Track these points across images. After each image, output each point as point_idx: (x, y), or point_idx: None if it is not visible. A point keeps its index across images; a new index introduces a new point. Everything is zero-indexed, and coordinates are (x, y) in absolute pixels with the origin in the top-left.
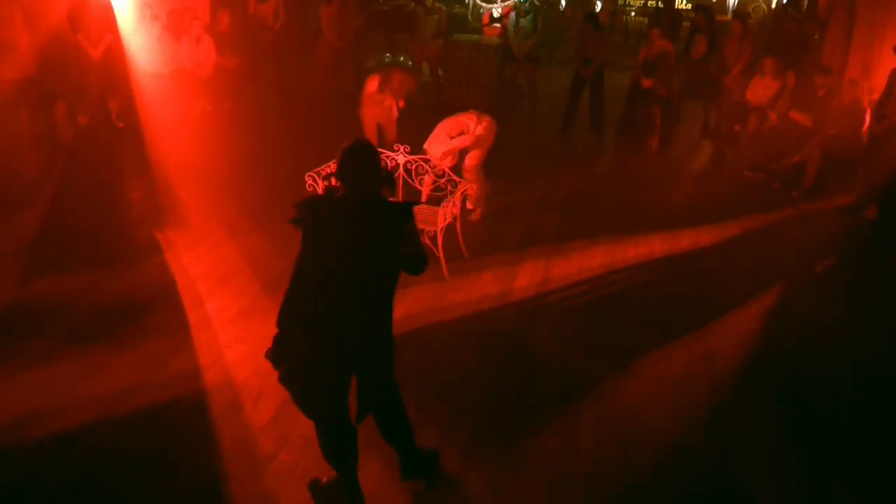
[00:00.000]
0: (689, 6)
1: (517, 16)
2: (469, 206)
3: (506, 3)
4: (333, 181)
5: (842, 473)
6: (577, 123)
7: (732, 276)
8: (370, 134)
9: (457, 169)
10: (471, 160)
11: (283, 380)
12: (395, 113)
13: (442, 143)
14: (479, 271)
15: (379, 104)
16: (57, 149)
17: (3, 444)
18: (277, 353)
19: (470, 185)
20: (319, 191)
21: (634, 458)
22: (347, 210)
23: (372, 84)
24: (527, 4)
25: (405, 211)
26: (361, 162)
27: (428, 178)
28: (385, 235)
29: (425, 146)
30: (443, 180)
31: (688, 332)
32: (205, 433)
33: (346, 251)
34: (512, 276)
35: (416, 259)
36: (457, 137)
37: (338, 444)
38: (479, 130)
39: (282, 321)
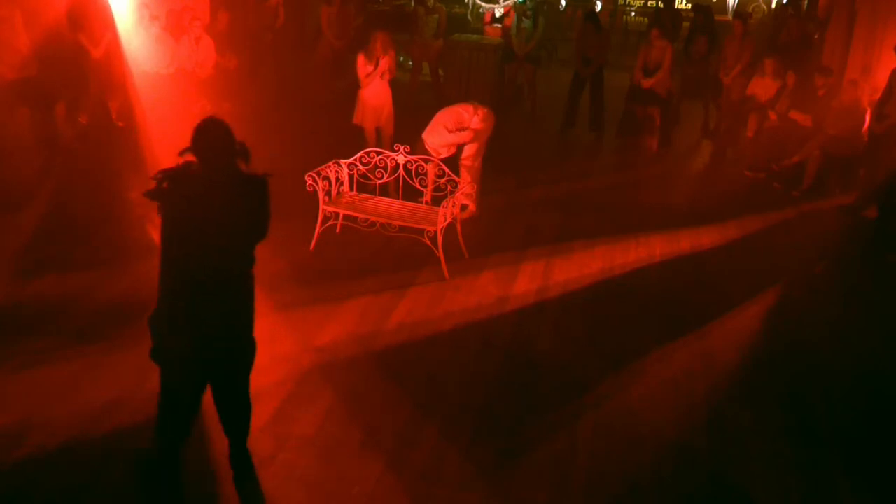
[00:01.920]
0: (689, 6)
1: (519, 16)
2: (462, 201)
3: (506, 3)
4: (188, 156)
5: (842, 473)
6: (577, 123)
7: (732, 276)
8: (369, 135)
9: (454, 161)
10: (468, 151)
11: (153, 354)
12: (392, 70)
13: (440, 134)
14: (479, 271)
15: (377, 85)
16: (57, 149)
17: (3, 444)
18: (153, 327)
19: (464, 179)
20: (319, 191)
21: (634, 459)
22: (202, 184)
23: (362, 62)
24: (529, 4)
25: (257, 184)
26: (213, 137)
27: (430, 177)
28: (240, 206)
29: (423, 135)
30: (443, 180)
31: (688, 332)
32: (205, 433)
33: (204, 224)
34: (512, 276)
35: (266, 230)
36: (455, 132)
37: (176, 424)
38: (477, 123)
39: (161, 300)
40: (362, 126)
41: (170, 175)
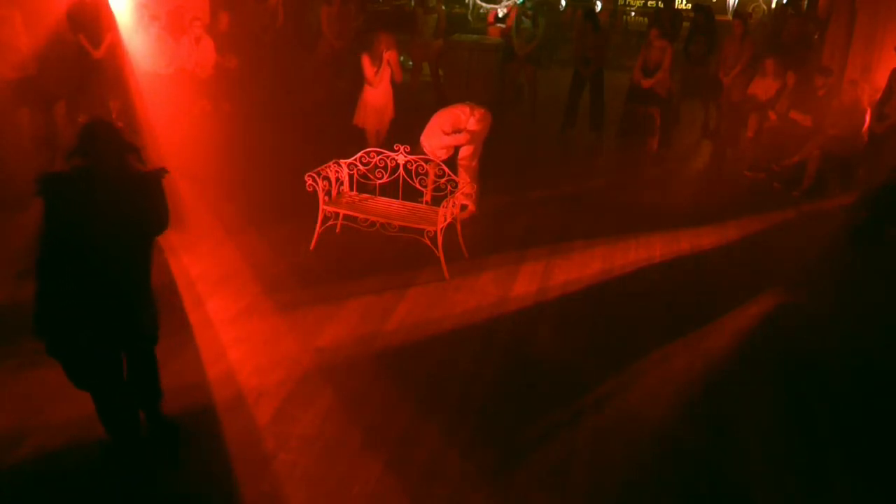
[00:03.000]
0: (689, 6)
1: (519, 16)
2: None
3: (508, 3)
4: (76, 159)
5: (842, 473)
6: (577, 123)
7: (732, 277)
8: (370, 136)
9: (451, 162)
10: (464, 152)
11: (49, 351)
12: (398, 74)
13: (436, 137)
14: (479, 272)
15: (381, 86)
16: (57, 149)
17: (3, 444)
18: (40, 326)
19: (463, 179)
20: (319, 191)
21: (634, 459)
22: (91, 183)
23: (367, 63)
24: (528, 5)
25: (148, 180)
26: (96, 140)
27: (430, 177)
28: (131, 203)
29: (421, 139)
30: (443, 180)
31: (688, 332)
32: (205, 433)
33: (95, 222)
34: (512, 276)
35: (164, 222)
36: (451, 134)
37: (114, 413)
38: (473, 125)
39: (40, 296)
40: (364, 127)
41: (54, 177)
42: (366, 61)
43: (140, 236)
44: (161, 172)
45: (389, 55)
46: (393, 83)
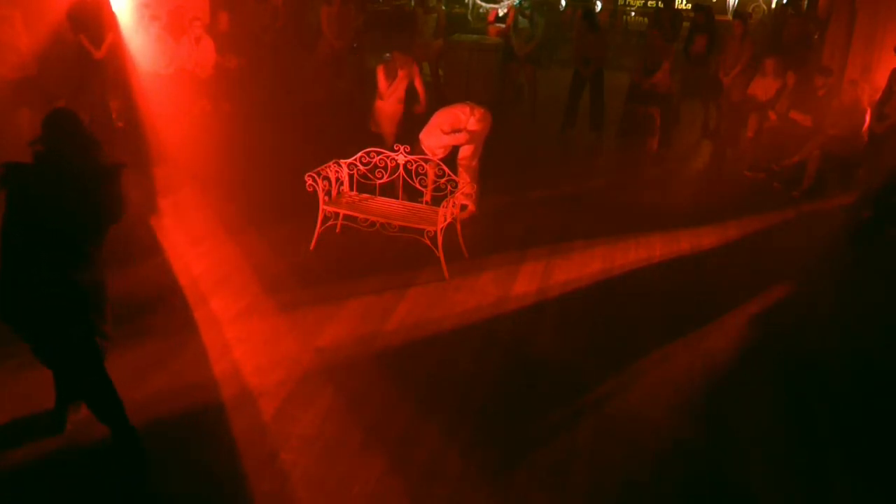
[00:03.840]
0: (689, 6)
1: (516, 16)
2: (461, 201)
3: (508, 3)
4: (38, 146)
5: (842, 473)
6: (577, 123)
7: (732, 277)
8: (388, 138)
9: (451, 161)
10: (464, 152)
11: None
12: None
13: (436, 136)
14: (479, 272)
15: (392, 99)
16: None
17: (3, 445)
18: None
19: (463, 179)
20: (319, 191)
21: (634, 458)
22: (47, 174)
23: (382, 78)
24: (525, 4)
25: (107, 172)
26: (58, 128)
27: (430, 177)
28: (85, 196)
29: (420, 136)
30: (443, 180)
31: (688, 332)
32: (204, 433)
33: (46, 213)
34: (512, 276)
35: (119, 215)
36: (451, 134)
37: (109, 397)
38: (472, 125)
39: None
40: (378, 132)
41: (13, 165)
42: (381, 74)
43: (92, 228)
44: (120, 167)
45: (412, 74)
46: (408, 94)
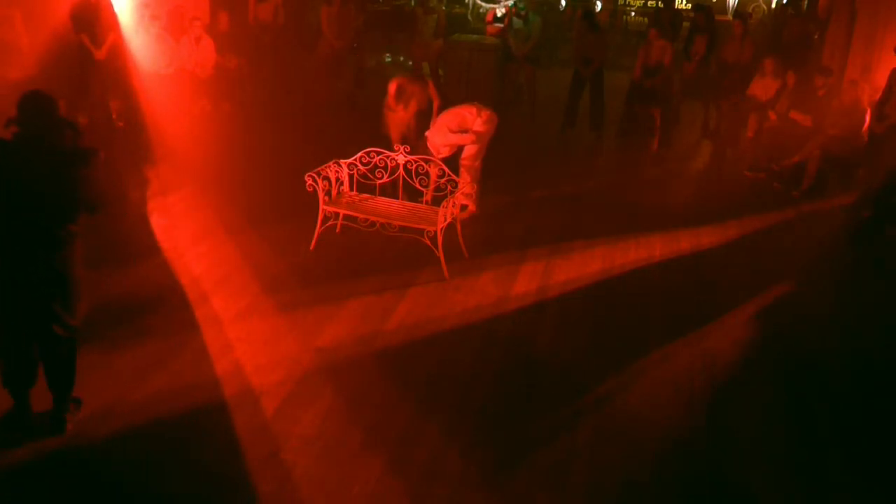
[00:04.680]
0: (689, 6)
1: (511, 16)
2: (461, 201)
3: (507, 3)
4: (13, 127)
5: (842, 473)
6: (577, 123)
7: (732, 277)
8: (396, 141)
9: (454, 160)
10: (469, 152)
11: None
12: (412, 124)
13: (442, 134)
14: (479, 272)
15: (395, 112)
16: None
17: (2, 444)
18: None
19: (464, 179)
20: (319, 191)
21: (634, 458)
22: (21, 153)
23: (392, 95)
24: (521, 5)
25: (80, 156)
26: (34, 109)
27: (432, 178)
28: (58, 178)
29: (427, 133)
30: (443, 180)
31: (688, 332)
32: (204, 433)
33: (18, 192)
34: (512, 276)
35: (94, 202)
36: (457, 133)
37: (10, 371)
38: (479, 126)
39: None
40: (389, 135)
41: None
42: (392, 89)
43: (63, 211)
44: (93, 151)
45: (426, 93)
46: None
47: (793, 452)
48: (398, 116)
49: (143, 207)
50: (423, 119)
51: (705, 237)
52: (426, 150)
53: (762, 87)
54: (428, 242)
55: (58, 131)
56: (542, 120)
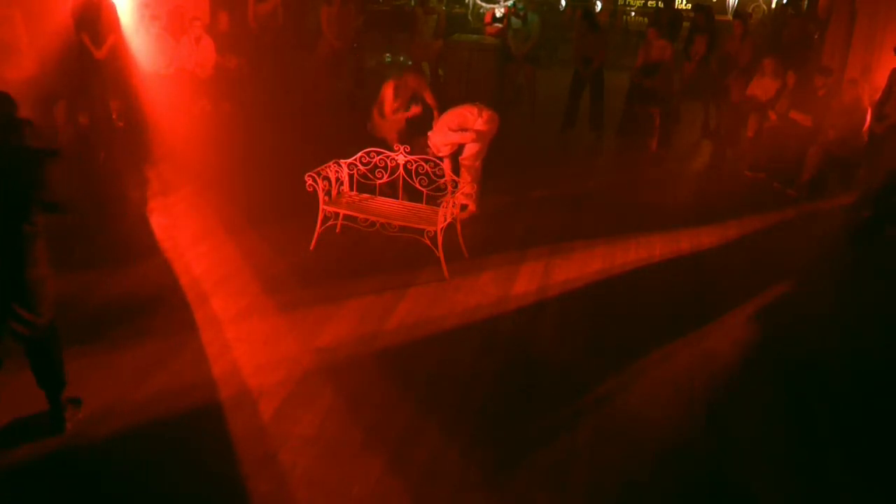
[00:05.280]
0: (689, 6)
1: (510, 17)
2: (462, 201)
3: (506, 3)
4: None
5: (842, 473)
6: (577, 123)
7: (732, 277)
8: (390, 142)
9: (455, 160)
10: (469, 151)
11: None
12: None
13: (443, 133)
14: (479, 271)
15: (394, 119)
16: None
17: (2, 444)
18: None
19: (464, 179)
20: (319, 191)
21: (634, 458)
22: None
23: (389, 96)
24: (519, 5)
25: (37, 155)
26: None
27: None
28: (14, 177)
29: (429, 133)
30: (442, 180)
31: (688, 332)
32: (204, 433)
33: None
34: (512, 276)
35: (50, 202)
36: (457, 132)
37: None
38: (480, 125)
39: None
40: (385, 138)
41: None
42: (388, 93)
43: (21, 212)
44: (51, 151)
45: (425, 95)
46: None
47: (793, 452)
48: (391, 120)
49: (143, 207)
50: (417, 120)
51: (705, 237)
52: (426, 150)
53: (762, 87)
54: (428, 242)
55: (15, 130)
56: (542, 120)
